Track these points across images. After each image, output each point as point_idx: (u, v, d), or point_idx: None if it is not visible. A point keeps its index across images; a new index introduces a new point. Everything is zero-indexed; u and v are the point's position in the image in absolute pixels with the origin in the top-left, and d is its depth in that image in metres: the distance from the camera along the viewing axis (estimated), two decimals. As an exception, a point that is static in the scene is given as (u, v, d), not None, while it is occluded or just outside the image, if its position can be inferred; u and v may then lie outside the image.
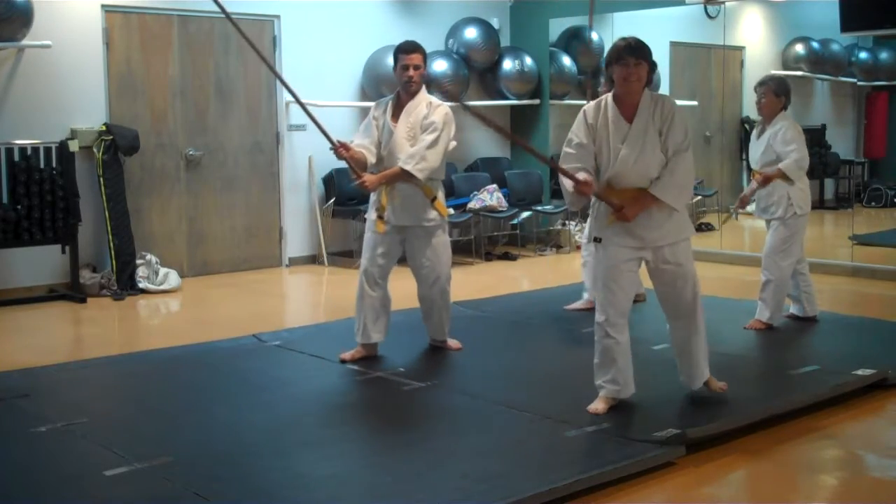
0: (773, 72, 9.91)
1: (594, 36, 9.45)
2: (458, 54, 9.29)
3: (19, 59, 7.14)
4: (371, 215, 5.13)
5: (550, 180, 9.76)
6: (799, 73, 10.02)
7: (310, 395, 4.66)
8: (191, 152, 8.05)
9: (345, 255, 8.73)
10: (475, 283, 7.78)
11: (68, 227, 7.14)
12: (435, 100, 5.11)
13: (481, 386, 4.69)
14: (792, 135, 5.59)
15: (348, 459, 3.79)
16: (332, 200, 8.69)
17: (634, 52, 3.99)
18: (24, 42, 6.99)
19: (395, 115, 5.07)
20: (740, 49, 10.00)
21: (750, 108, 10.04)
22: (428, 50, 9.09)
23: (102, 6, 7.49)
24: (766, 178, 5.63)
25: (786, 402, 4.33)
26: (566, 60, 9.78)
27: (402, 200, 5.03)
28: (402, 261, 5.29)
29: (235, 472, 3.59)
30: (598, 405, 4.18)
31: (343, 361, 5.11)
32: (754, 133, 5.85)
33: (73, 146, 7.17)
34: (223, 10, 4.96)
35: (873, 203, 10.74)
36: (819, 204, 10.51)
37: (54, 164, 7.10)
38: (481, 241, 9.16)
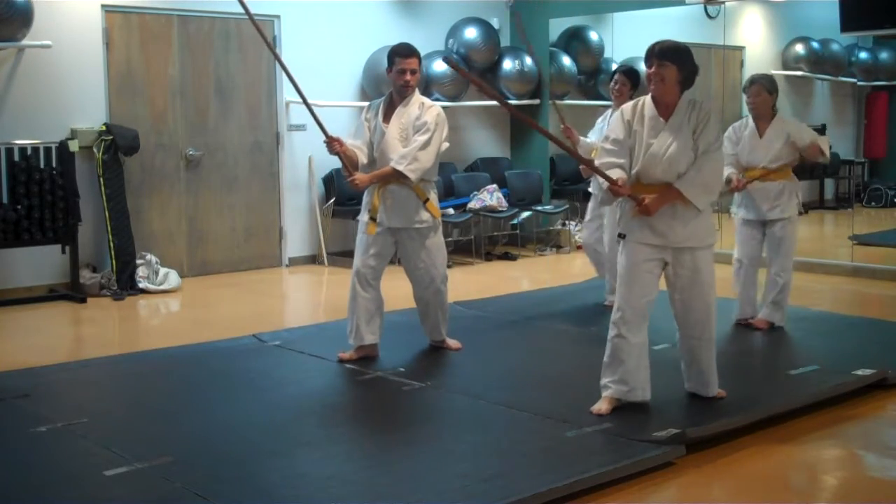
0: (773, 71, 9.92)
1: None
2: (458, 54, 9.29)
3: (19, 59, 7.14)
4: (363, 217, 5.12)
5: (550, 180, 9.76)
6: (799, 73, 10.03)
7: (310, 395, 4.66)
8: (191, 152, 8.05)
9: (345, 255, 8.71)
10: (475, 283, 7.78)
11: (68, 227, 7.14)
12: (427, 100, 5.10)
13: (481, 386, 4.69)
14: (802, 127, 5.73)
15: (348, 459, 3.79)
16: (332, 200, 8.69)
17: (656, 53, 4.06)
18: (24, 42, 6.98)
19: (387, 117, 5.06)
20: (740, 49, 10.00)
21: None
22: (428, 50, 9.19)
23: (102, 6, 7.49)
24: (768, 172, 5.64)
25: (786, 402, 4.34)
26: (566, 60, 9.78)
27: (395, 202, 5.02)
28: (401, 261, 5.29)
29: (235, 472, 3.59)
30: (601, 406, 4.18)
31: (342, 361, 5.11)
32: (747, 133, 5.75)
33: (73, 146, 7.17)
34: (247, 12, 5.02)
35: (873, 203, 10.74)
36: (819, 204, 10.53)
37: (54, 164, 7.10)
38: (481, 241, 9.15)
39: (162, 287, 7.47)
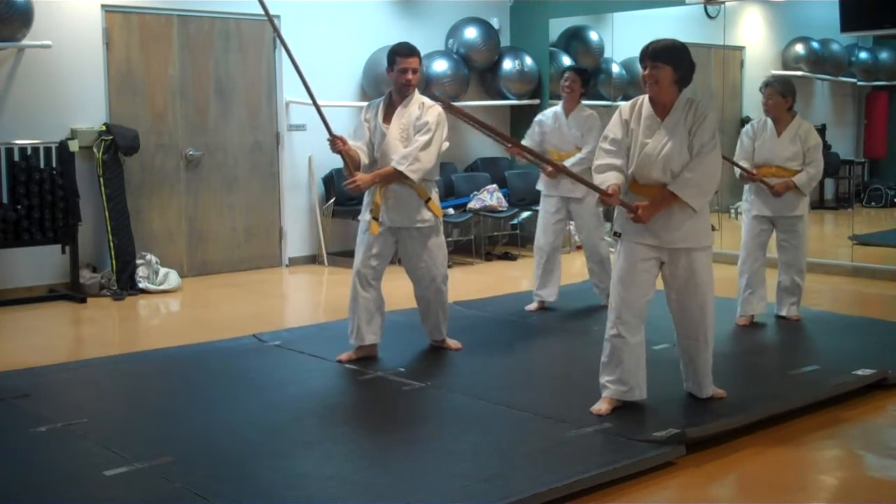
0: (774, 72, 9.92)
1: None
2: (458, 54, 9.29)
3: (19, 59, 7.14)
4: (365, 216, 5.11)
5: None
6: (799, 73, 10.02)
7: (310, 395, 4.66)
8: (191, 152, 8.05)
9: (345, 255, 8.71)
10: (475, 283, 7.78)
11: (68, 227, 7.14)
12: (427, 100, 5.09)
13: (481, 386, 4.69)
14: (817, 141, 5.80)
15: (348, 459, 3.79)
16: (332, 200, 8.69)
17: (650, 55, 4.06)
18: (24, 42, 6.98)
19: (387, 117, 5.05)
20: (740, 49, 10.00)
21: (750, 108, 10.04)
22: (428, 50, 9.18)
23: (102, 6, 7.49)
24: (788, 185, 5.74)
25: (786, 402, 4.34)
26: (566, 60, 9.78)
27: (396, 202, 5.02)
28: (401, 261, 5.29)
29: (235, 472, 3.59)
30: (601, 406, 4.18)
31: (340, 363, 5.11)
32: (766, 132, 5.82)
33: (73, 146, 7.16)
34: (266, 12, 5.04)
35: (873, 203, 10.73)
36: (819, 204, 10.51)
37: (54, 164, 7.10)
38: (481, 241, 9.15)
39: (162, 287, 7.47)
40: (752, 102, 10.04)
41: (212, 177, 8.22)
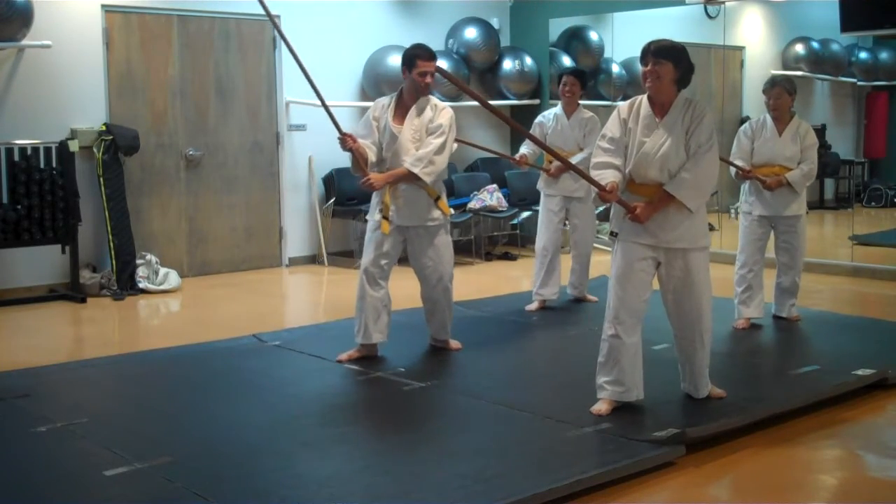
0: (774, 71, 9.92)
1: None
2: (458, 54, 9.29)
3: (19, 59, 7.14)
4: (375, 216, 5.11)
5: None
6: (799, 73, 10.01)
7: (310, 395, 4.66)
8: (191, 152, 8.05)
9: (345, 255, 8.73)
10: (475, 283, 7.78)
11: (68, 227, 7.14)
12: (438, 101, 5.09)
13: (481, 386, 4.69)
14: (813, 141, 5.81)
15: (348, 459, 3.79)
16: (332, 200, 8.69)
17: (652, 51, 4.07)
18: (24, 42, 6.98)
19: (397, 117, 5.04)
20: (740, 49, 10.00)
21: (749, 108, 10.04)
22: (428, 50, 9.15)
23: (102, 6, 7.49)
24: (780, 181, 5.73)
25: (786, 402, 4.34)
26: (566, 60, 9.78)
27: (406, 200, 5.02)
28: (403, 261, 5.29)
29: (235, 472, 3.59)
30: (600, 407, 4.18)
31: (340, 362, 5.11)
32: (767, 132, 5.81)
33: (73, 146, 7.16)
34: (268, 13, 5.05)
35: (873, 203, 10.73)
36: (819, 204, 10.52)
37: (54, 164, 7.10)
38: (481, 241, 9.16)
39: (162, 287, 7.47)
40: (752, 102, 10.04)
41: (212, 177, 8.22)
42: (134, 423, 4.22)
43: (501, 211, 9.05)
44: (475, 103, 9.37)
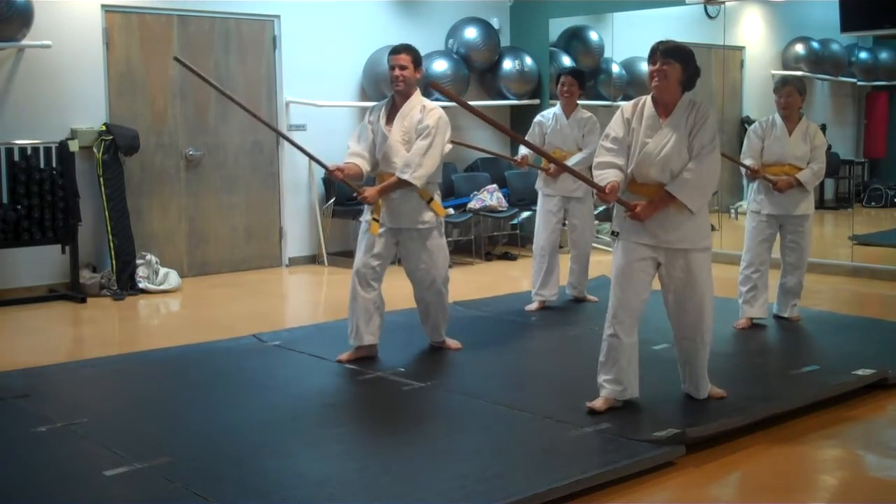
0: (774, 71, 9.92)
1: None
2: (458, 54, 9.29)
3: (19, 59, 7.14)
4: (366, 216, 5.12)
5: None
6: (799, 73, 10.01)
7: (310, 395, 4.66)
8: (191, 152, 8.05)
9: (345, 255, 8.71)
10: (475, 283, 7.78)
11: (68, 227, 7.14)
12: (429, 103, 5.08)
13: (481, 386, 4.69)
14: (823, 141, 5.86)
15: (348, 459, 3.79)
16: (332, 200, 8.69)
17: (661, 51, 4.08)
18: (24, 42, 6.98)
19: (390, 119, 5.05)
20: (740, 49, 10.00)
21: (750, 108, 10.04)
22: (428, 50, 9.17)
23: (102, 6, 7.49)
24: (790, 182, 5.75)
25: (786, 402, 4.34)
26: (566, 60, 9.78)
27: (398, 202, 5.02)
28: (401, 261, 5.29)
29: (235, 472, 3.59)
30: (597, 403, 4.19)
31: (340, 363, 5.11)
32: (777, 131, 5.81)
33: (73, 146, 7.16)
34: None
35: (873, 203, 10.73)
36: (819, 204, 10.48)
37: (54, 164, 7.10)
38: (481, 241, 9.16)
39: (162, 287, 7.47)
40: (753, 102, 10.05)
41: (212, 177, 8.22)
42: (134, 423, 4.22)
43: (501, 211, 9.05)
44: (475, 103, 9.41)
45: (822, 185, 10.59)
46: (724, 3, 8.98)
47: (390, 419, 4.31)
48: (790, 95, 5.75)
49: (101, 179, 7.34)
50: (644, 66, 4.20)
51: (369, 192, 4.96)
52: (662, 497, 3.53)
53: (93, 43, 7.47)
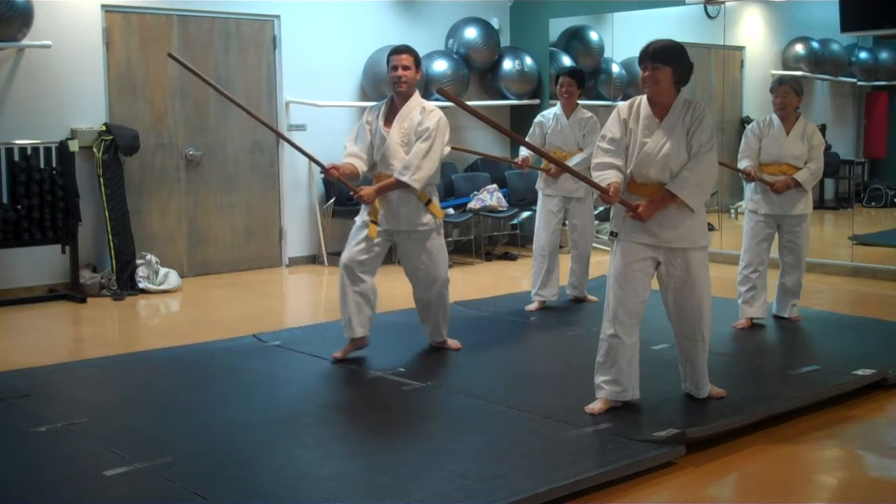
0: (774, 71, 9.92)
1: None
2: (458, 54, 9.29)
3: (19, 59, 7.14)
4: (363, 216, 5.08)
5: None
6: (799, 73, 10.01)
7: (310, 395, 4.66)
8: (191, 152, 8.05)
9: (345, 255, 8.72)
10: (475, 283, 7.78)
11: (68, 227, 7.14)
12: (429, 104, 5.06)
13: (481, 386, 4.69)
14: (820, 141, 5.84)
15: (348, 459, 3.79)
16: (332, 200, 8.69)
17: (650, 56, 4.08)
18: (24, 42, 6.99)
19: (388, 120, 5.03)
20: (740, 49, 10.00)
21: (750, 108, 10.04)
22: (428, 50, 9.17)
23: (102, 6, 7.49)
24: (787, 183, 5.74)
25: (786, 402, 4.34)
26: (566, 60, 9.78)
27: (396, 205, 5.00)
28: (399, 261, 5.28)
29: (235, 472, 3.59)
30: (596, 406, 4.18)
31: (336, 360, 5.10)
32: (775, 131, 5.81)
33: (73, 146, 7.17)
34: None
35: (873, 203, 10.73)
36: (819, 204, 10.50)
37: (54, 164, 7.10)
38: (481, 241, 9.16)
39: (162, 287, 7.47)
40: (753, 102, 10.05)
41: (212, 177, 8.22)
42: (134, 423, 4.22)
43: (501, 211, 9.05)
44: (475, 103, 9.41)
45: (822, 185, 10.65)
46: (724, 3, 8.98)
47: (390, 419, 4.31)
48: (786, 95, 5.75)
49: (101, 179, 7.35)
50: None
51: (366, 191, 4.95)
52: (662, 497, 3.53)
53: (93, 43, 7.47)
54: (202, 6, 8.00)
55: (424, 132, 4.93)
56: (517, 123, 9.87)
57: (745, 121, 10.17)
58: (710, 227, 9.60)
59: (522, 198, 9.36)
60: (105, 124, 7.43)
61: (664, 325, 4.44)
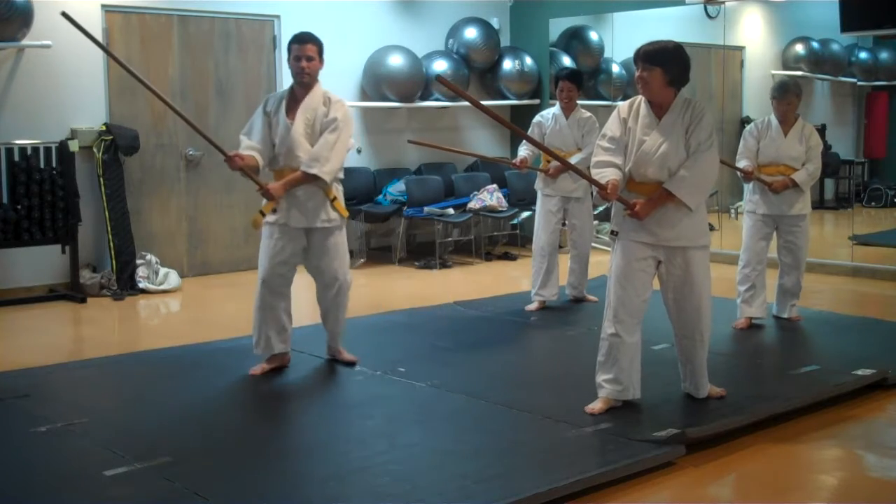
0: (774, 72, 9.92)
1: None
2: (458, 54, 9.29)
3: (19, 59, 7.14)
4: (268, 217, 4.84)
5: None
6: (799, 73, 10.02)
7: (309, 395, 4.66)
8: (191, 152, 8.05)
9: (345, 255, 8.71)
10: (475, 283, 7.78)
11: (68, 227, 7.14)
12: (333, 95, 4.84)
13: (481, 386, 4.69)
14: (818, 142, 5.85)
15: (349, 459, 3.79)
16: (331, 200, 8.67)
17: (641, 57, 4.09)
18: (24, 42, 6.98)
19: (291, 111, 4.80)
20: (740, 49, 10.00)
21: (750, 109, 10.04)
22: (428, 50, 9.17)
23: (102, 6, 7.49)
24: (785, 183, 5.74)
25: (786, 402, 4.34)
26: (566, 60, 9.78)
27: (299, 200, 4.77)
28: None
29: (235, 472, 3.59)
30: (596, 405, 4.19)
31: (254, 376, 4.88)
32: (773, 132, 5.82)
33: (73, 146, 7.17)
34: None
35: (873, 203, 10.73)
36: (819, 204, 10.51)
37: (54, 164, 7.10)
38: (481, 241, 9.16)
39: (162, 287, 7.47)
40: (753, 102, 10.05)
41: (212, 177, 8.22)
42: (134, 423, 4.22)
43: (501, 211, 9.05)
44: (475, 103, 9.41)
45: (822, 184, 10.66)
46: (724, 3, 8.98)
47: (391, 419, 4.31)
48: (790, 104, 5.77)
49: (101, 179, 7.35)
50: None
51: (273, 186, 4.74)
52: (662, 497, 3.54)
53: (93, 43, 7.44)
54: (202, 6, 8.01)
55: (331, 123, 4.73)
56: (517, 123, 9.84)
57: (745, 121, 10.17)
58: (711, 227, 9.64)
59: (522, 198, 9.35)
60: (105, 124, 7.43)
61: (664, 325, 4.44)
